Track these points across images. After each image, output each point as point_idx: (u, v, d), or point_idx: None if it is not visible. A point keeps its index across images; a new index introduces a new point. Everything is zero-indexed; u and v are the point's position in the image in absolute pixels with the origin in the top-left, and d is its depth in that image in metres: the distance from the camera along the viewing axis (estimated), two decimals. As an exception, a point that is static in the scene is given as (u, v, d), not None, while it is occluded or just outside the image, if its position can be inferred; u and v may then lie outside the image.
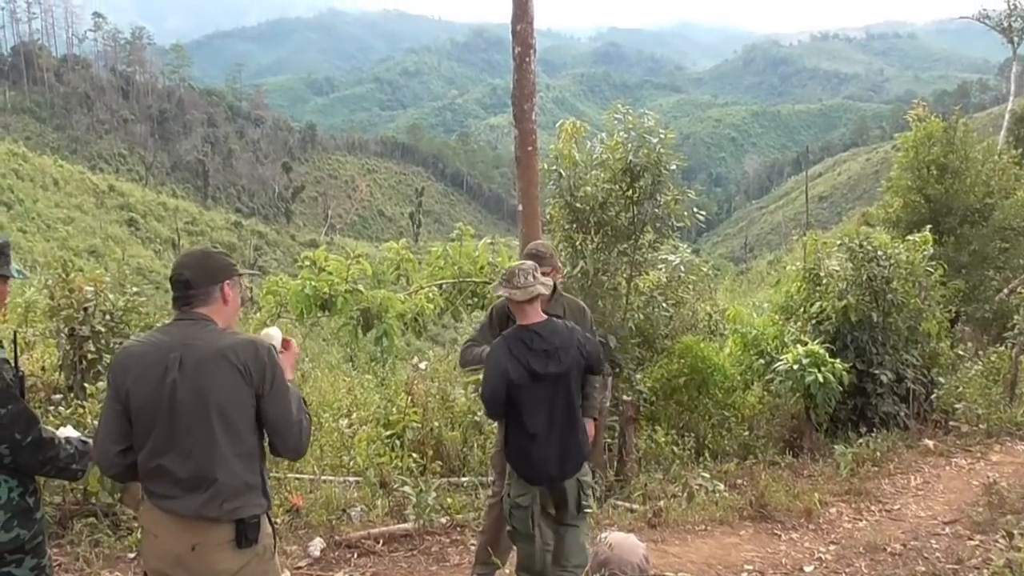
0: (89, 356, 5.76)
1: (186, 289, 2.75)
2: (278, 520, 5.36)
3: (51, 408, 5.42)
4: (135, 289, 6.34)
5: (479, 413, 6.74)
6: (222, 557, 2.68)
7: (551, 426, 3.95)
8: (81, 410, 5.16)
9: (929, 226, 10.22)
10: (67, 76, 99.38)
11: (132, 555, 4.70)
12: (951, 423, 8.72)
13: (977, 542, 5.67)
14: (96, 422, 5.00)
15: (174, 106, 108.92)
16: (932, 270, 9.22)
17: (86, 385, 5.47)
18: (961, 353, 10.06)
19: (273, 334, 2.98)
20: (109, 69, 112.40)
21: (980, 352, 10.23)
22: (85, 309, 5.82)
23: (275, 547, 2.86)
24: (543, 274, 4.47)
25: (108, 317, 5.89)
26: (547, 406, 3.94)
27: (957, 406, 8.78)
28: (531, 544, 4.04)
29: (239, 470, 2.68)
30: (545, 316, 4.04)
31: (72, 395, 5.61)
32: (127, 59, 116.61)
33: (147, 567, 2.84)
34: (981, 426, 8.45)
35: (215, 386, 2.63)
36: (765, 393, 8.64)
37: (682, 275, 8.65)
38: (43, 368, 6.29)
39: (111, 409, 2.75)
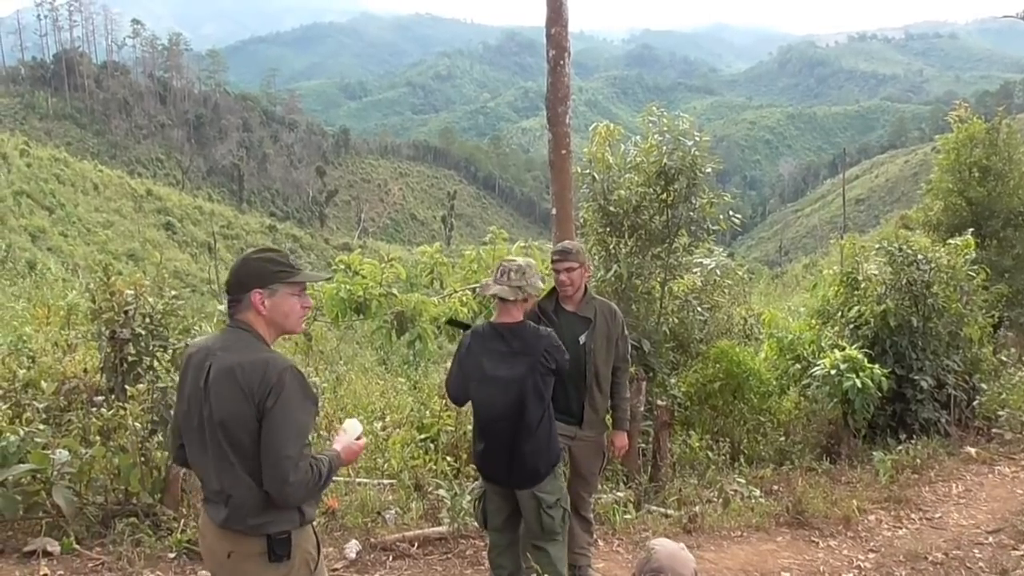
0: (130, 358, 5.84)
1: (227, 293, 2.77)
2: (313, 522, 5.40)
3: (93, 409, 5.51)
4: (173, 292, 6.41)
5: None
6: (255, 569, 2.69)
7: (498, 428, 3.92)
8: (123, 412, 5.25)
9: (971, 229, 10.02)
10: (106, 82, 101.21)
11: (172, 555, 4.76)
12: (994, 430, 8.56)
13: (1022, 552, 5.56)
14: (136, 424, 5.12)
15: (210, 111, 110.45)
16: (974, 274, 9.05)
17: (127, 387, 5.55)
18: (1004, 359, 9.87)
19: (356, 426, 2.94)
20: (147, 75, 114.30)
21: (1024, 358, 10.03)
22: (126, 312, 5.89)
23: (318, 560, 2.81)
24: (568, 269, 4.50)
25: (148, 320, 5.96)
26: (497, 407, 3.91)
27: (1000, 413, 8.62)
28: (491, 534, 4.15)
29: (255, 488, 2.61)
30: (518, 319, 3.95)
31: (113, 397, 5.70)
32: (164, 65, 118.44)
33: (204, 565, 2.90)
34: (1025, 433, 8.29)
35: (221, 403, 2.61)
36: (802, 398, 8.54)
37: (717, 279, 8.58)
38: (85, 370, 6.40)
39: (176, 405, 2.85)
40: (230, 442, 2.61)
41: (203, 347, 2.75)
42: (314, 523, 2.85)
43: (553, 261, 4.59)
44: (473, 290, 8.41)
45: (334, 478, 5.88)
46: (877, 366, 7.72)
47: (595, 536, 5.25)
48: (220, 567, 2.75)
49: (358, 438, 2.94)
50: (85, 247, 49.21)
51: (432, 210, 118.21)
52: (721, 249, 9.14)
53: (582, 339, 4.56)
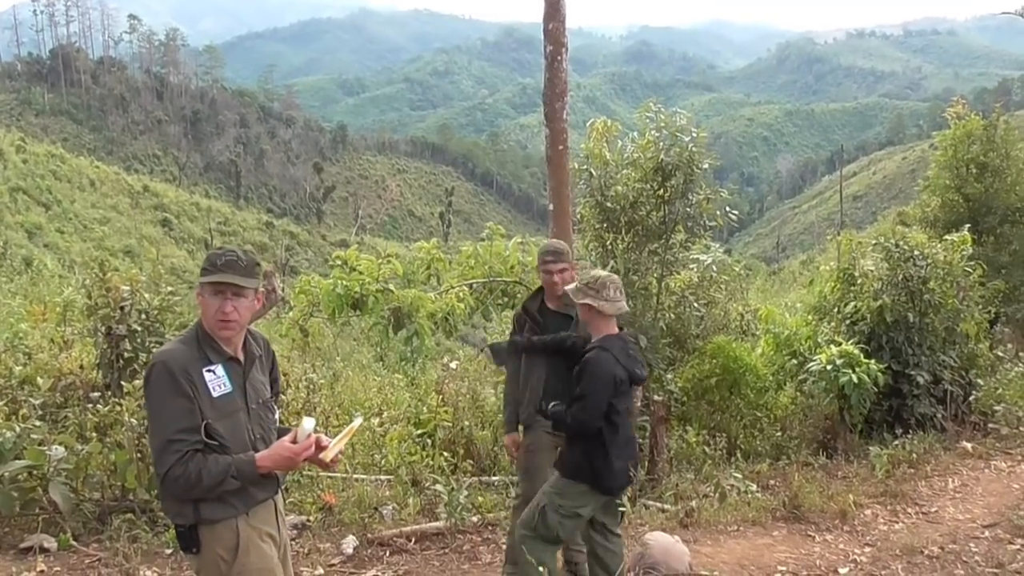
0: (126, 355, 5.85)
1: None
2: (310, 518, 5.41)
3: (89, 406, 5.51)
4: (169, 288, 6.42)
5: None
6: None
7: (630, 434, 4.09)
8: (119, 408, 5.24)
9: (968, 225, 10.03)
10: (103, 78, 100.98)
11: (169, 551, 4.77)
12: (990, 425, 8.56)
13: (1018, 546, 5.57)
14: (133, 420, 5.12)
15: (207, 107, 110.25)
16: (971, 270, 9.06)
17: (123, 383, 5.55)
18: (1000, 354, 9.87)
19: (307, 425, 2.89)
20: (144, 71, 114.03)
21: (1020, 353, 10.01)
22: (122, 308, 5.90)
23: (232, 562, 2.76)
24: (562, 271, 4.53)
25: (144, 316, 5.97)
26: (628, 413, 4.07)
27: (996, 408, 8.62)
28: (556, 549, 4.12)
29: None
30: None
31: (110, 393, 5.70)
32: (161, 61, 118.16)
33: None
34: (1021, 428, 8.29)
35: None
36: (798, 394, 8.54)
37: (714, 275, 8.58)
38: (81, 366, 6.40)
39: None
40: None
41: None
42: (245, 527, 2.78)
43: (546, 262, 4.54)
44: (470, 286, 8.40)
45: (332, 473, 5.90)
46: (873, 361, 7.73)
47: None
48: None
49: (307, 437, 2.85)
50: (81, 243, 49.13)
51: (430, 206, 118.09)
52: (718, 245, 9.12)
53: None
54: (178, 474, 2.60)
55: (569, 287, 4.11)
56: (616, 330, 4.06)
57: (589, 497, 3.98)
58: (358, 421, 3.05)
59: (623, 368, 3.92)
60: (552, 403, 4.09)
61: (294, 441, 2.82)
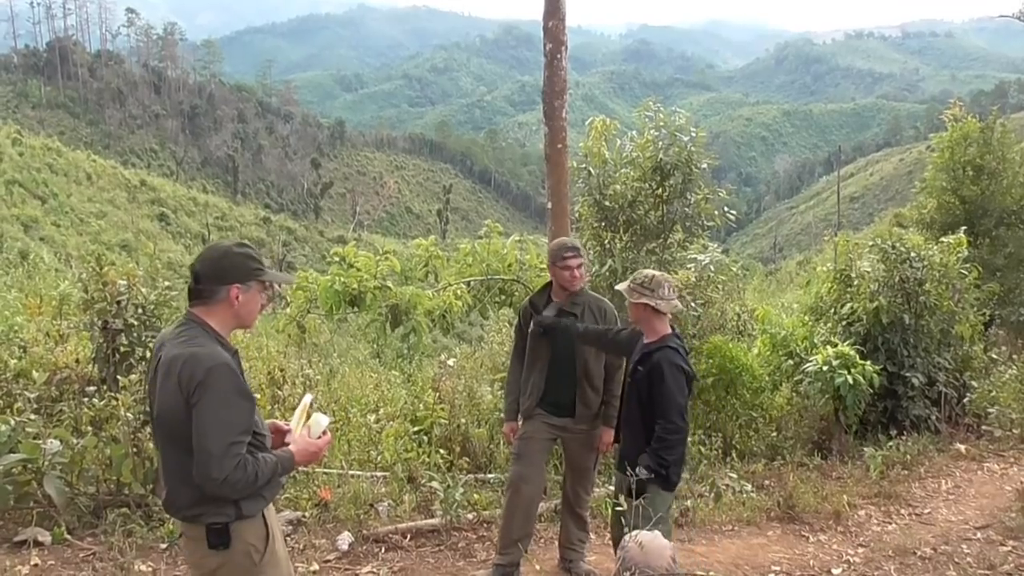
0: (122, 349, 5.84)
1: (194, 281, 2.76)
2: (306, 514, 5.41)
3: (85, 400, 5.51)
4: (166, 283, 6.41)
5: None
6: (200, 552, 2.76)
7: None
8: (114, 402, 5.24)
9: (964, 228, 10.05)
10: (100, 71, 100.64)
11: (164, 545, 4.77)
12: (984, 427, 8.60)
13: (1009, 548, 5.59)
14: (128, 414, 5.11)
15: (205, 102, 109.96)
16: (966, 272, 9.08)
17: (119, 377, 5.54)
18: (995, 357, 9.89)
19: (321, 420, 2.92)
20: (141, 65, 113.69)
21: (1015, 356, 10.04)
22: (118, 303, 5.90)
23: (264, 551, 2.78)
24: (580, 265, 4.56)
25: (140, 311, 5.96)
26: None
27: (990, 410, 8.65)
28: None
29: (188, 480, 2.63)
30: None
31: (105, 387, 5.70)
32: (159, 55, 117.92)
33: None
34: (1015, 431, 8.32)
35: (162, 396, 2.65)
36: (794, 394, 8.55)
37: (711, 275, 8.58)
38: (77, 360, 6.39)
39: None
40: (165, 433, 2.68)
41: (163, 336, 2.81)
42: (269, 516, 2.83)
43: (566, 257, 4.55)
44: (468, 283, 8.40)
45: (327, 470, 5.91)
46: (869, 363, 7.74)
47: (589, 532, 5.27)
48: (183, 546, 2.93)
49: (324, 433, 2.91)
50: (78, 237, 48.94)
51: (428, 204, 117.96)
52: (716, 245, 9.12)
53: None
54: (238, 478, 2.58)
55: (621, 286, 4.16)
56: (670, 329, 4.09)
57: (670, 497, 4.08)
58: (308, 398, 3.06)
59: (688, 365, 4.00)
60: (638, 465, 4.01)
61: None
